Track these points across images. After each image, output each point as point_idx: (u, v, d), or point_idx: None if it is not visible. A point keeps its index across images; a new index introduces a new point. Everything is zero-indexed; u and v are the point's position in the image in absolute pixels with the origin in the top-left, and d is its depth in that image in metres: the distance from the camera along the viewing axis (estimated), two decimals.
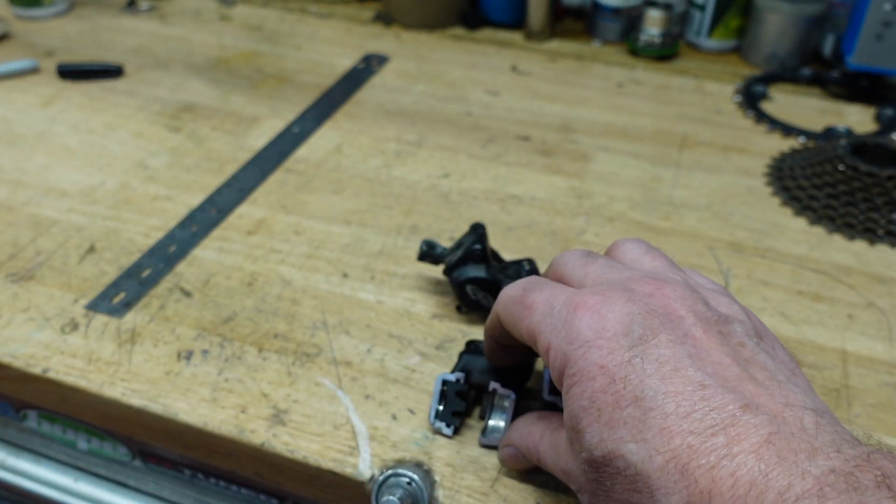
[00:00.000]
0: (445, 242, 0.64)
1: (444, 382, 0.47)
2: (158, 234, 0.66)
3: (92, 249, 0.64)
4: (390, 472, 0.43)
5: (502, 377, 0.47)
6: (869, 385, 0.50)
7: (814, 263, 0.62)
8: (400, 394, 0.50)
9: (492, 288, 0.54)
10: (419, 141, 0.79)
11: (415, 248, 0.63)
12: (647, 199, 0.70)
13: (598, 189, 0.72)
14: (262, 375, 0.52)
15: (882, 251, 0.64)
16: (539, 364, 0.50)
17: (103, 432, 0.58)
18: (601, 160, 0.76)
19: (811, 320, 0.56)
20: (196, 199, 0.70)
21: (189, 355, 0.53)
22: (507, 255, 0.62)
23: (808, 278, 0.60)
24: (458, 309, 0.57)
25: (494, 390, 0.46)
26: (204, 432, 0.48)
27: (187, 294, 0.59)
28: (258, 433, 0.47)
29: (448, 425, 0.46)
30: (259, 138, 0.80)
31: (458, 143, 0.79)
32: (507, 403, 0.46)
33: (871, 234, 0.65)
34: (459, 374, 0.46)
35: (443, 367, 0.52)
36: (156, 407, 0.50)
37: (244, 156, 0.77)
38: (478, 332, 0.55)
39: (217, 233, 0.66)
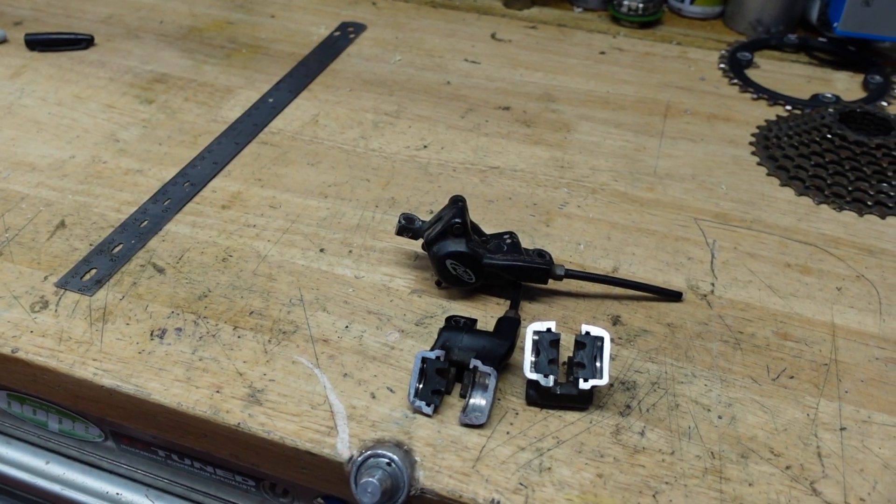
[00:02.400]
0: (424, 216, 0.61)
1: (424, 360, 0.44)
2: (130, 209, 0.62)
3: (62, 225, 0.61)
4: (369, 452, 0.41)
5: (483, 354, 0.45)
6: (859, 360, 0.49)
7: (801, 235, 0.60)
8: (379, 372, 0.48)
9: (472, 262, 0.51)
10: (397, 111, 0.76)
11: (393, 221, 0.61)
12: (630, 170, 0.68)
13: (580, 160, 0.69)
14: (237, 354, 0.49)
15: (871, 221, 0.62)
16: (521, 340, 0.48)
17: (75, 413, 0.55)
18: (583, 130, 0.73)
19: (799, 293, 0.54)
20: (169, 173, 0.67)
21: (162, 334, 0.51)
22: (488, 228, 0.59)
23: (795, 250, 0.58)
24: (438, 284, 0.54)
25: (475, 368, 0.43)
26: (178, 413, 0.46)
27: (160, 270, 0.56)
28: (233, 414, 0.45)
29: (428, 404, 0.44)
30: (233, 109, 0.76)
31: (437, 114, 0.75)
32: (488, 381, 0.43)
33: (859, 205, 0.63)
34: (439, 352, 0.44)
35: (423, 344, 0.50)
36: (128, 387, 0.47)
37: (218, 127, 0.73)
38: (458, 308, 0.53)
39: (190, 207, 0.63)
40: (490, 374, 0.43)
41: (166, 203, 0.63)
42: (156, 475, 0.55)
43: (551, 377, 0.43)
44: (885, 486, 0.41)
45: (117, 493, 0.59)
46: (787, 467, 0.42)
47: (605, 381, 0.42)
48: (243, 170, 0.67)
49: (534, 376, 0.43)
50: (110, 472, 0.58)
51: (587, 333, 0.44)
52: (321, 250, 0.58)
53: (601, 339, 0.43)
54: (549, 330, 0.44)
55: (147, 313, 0.52)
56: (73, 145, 0.70)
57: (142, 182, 0.65)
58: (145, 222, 0.61)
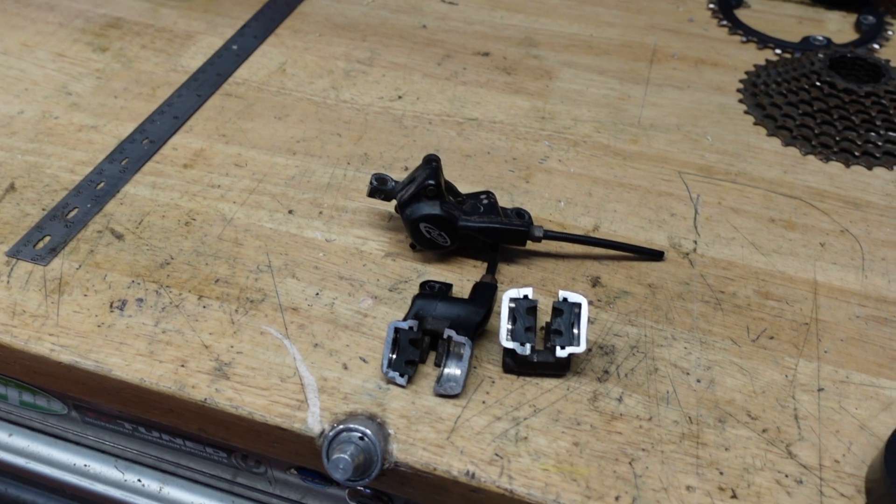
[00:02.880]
0: (399, 173, 0.60)
1: (397, 330, 0.44)
2: (85, 170, 0.60)
3: (11, 188, 0.59)
4: (341, 427, 0.41)
5: (458, 323, 0.44)
6: (839, 318, 0.49)
7: (787, 188, 0.59)
8: (351, 341, 0.47)
9: (447, 225, 0.50)
10: (370, 59, 0.73)
11: (366, 179, 0.59)
12: (614, 121, 0.66)
13: (562, 110, 0.67)
14: (202, 325, 0.48)
15: (858, 173, 0.61)
16: (498, 305, 0.47)
17: (35, 387, 0.55)
18: (566, 77, 0.71)
19: (782, 250, 0.54)
20: (126, 129, 0.64)
21: (122, 305, 0.50)
22: (465, 187, 0.58)
23: (780, 204, 0.58)
24: (413, 247, 0.53)
25: (450, 338, 0.43)
26: (141, 389, 0.45)
27: (119, 237, 0.55)
28: (199, 389, 0.44)
29: (402, 375, 0.44)
30: (194, 58, 0.73)
31: (413, 61, 0.73)
32: (463, 351, 0.43)
33: (847, 155, 0.62)
34: (412, 322, 0.43)
35: (396, 311, 0.49)
36: (87, 363, 0.46)
37: (178, 78, 0.70)
38: (434, 272, 0.52)
39: (150, 167, 0.61)
40: (465, 344, 0.43)
41: (124, 163, 0.61)
42: (124, 447, 0.55)
43: (528, 345, 0.43)
44: (859, 447, 0.41)
45: (85, 465, 0.58)
46: (764, 430, 0.42)
47: (582, 348, 0.42)
48: (206, 125, 0.65)
49: (510, 345, 0.43)
50: (77, 443, 0.57)
51: (565, 300, 0.43)
52: (290, 212, 0.57)
53: (579, 305, 0.43)
54: (525, 297, 0.44)
55: (106, 283, 0.51)
56: (21, 99, 0.67)
57: (97, 139, 0.63)
58: (102, 184, 0.59)
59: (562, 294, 0.44)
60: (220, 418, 0.45)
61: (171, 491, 0.57)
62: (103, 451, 0.57)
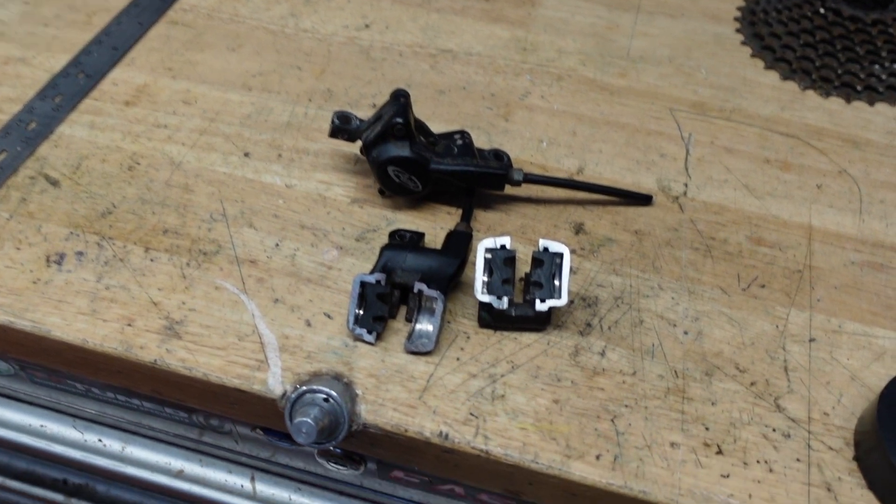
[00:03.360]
0: (365, 111, 0.58)
1: (363, 284, 0.43)
2: (13, 108, 0.58)
3: None
4: (304, 388, 0.41)
5: (430, 276, 0.44)
6: (834, 264, 0.49)
7: (783, 125, 0.59)
8: (314, 296, 0.47)
9: (418, 169, 0.49)
10: None
11: (329, 118, 0.57)
12: (601, 52, 0.65)
13: (545, 40, 0.66)
14: (150, 280, 0.47)
15: (859, 109, 0.61)
16: (473, 257, 0.47)
17: None
18: (549, 4, 0.69)
19: (777, 192, 0.54)
20: (58, 62, 0.61)
21: (60, 259, 0.48)
22: (438, 125, 0.56)
23: (776, 143, 0.58)
24: (381, 193, 0.52)
25: (420, 292, 0.43)
26: (84, 350, 0.45)
27: (54, 183, 0.53)
28: (149, 349, 0.44)
29: (369, 331, 0.43)
30: None
31: None
32: (435, 306, 0.43)
33: (848, 90, 0.62)
34: (379, 275, 0.43)
35: (364, 263, 0.48)
36: (23, 323, 0.45)
37: (117, 3, 0.67)
38: (404, 220, 0.51)
39: (87, 104, 0.58)
40: (437, 299, 0.42)
41: (57, 100, 0.58)
42: (81, 407, 0.55)
43: (505, 299, 0.43)
44: (849, 398, 0.42)
45: (41, 426, 0.58)
46: (752, 384, 0.43)
47: (563, 301, 0.42)
48: (150, 56, 0.62)
49: (485, 298, 0.43)
50: (31, 403, 0.57)
51: (545, 249, 0.43)
52: (246, 155, 0.55)
53: (560, 255, 0.43)
54: (503, 247, 0.43)
55: (41, 235, 0.49)
56: None
57: (26, 73, 0.60)
58: (33, 124, 0.56)
59: (542, 243, 0.43)
60: (172, 380, 0.44)
61: (135, 451, 0.56)
62: (60, 411, 0.56)
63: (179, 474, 0.54)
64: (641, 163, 0.56)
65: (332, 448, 0.47)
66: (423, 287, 0.42)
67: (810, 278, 0.48)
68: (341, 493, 0.52)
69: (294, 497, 0.52)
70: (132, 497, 0.60)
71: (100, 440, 0.56)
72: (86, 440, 0.56)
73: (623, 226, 0.51)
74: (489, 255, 0.43)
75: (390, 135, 0.48)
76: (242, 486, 0.53)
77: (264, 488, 0.53)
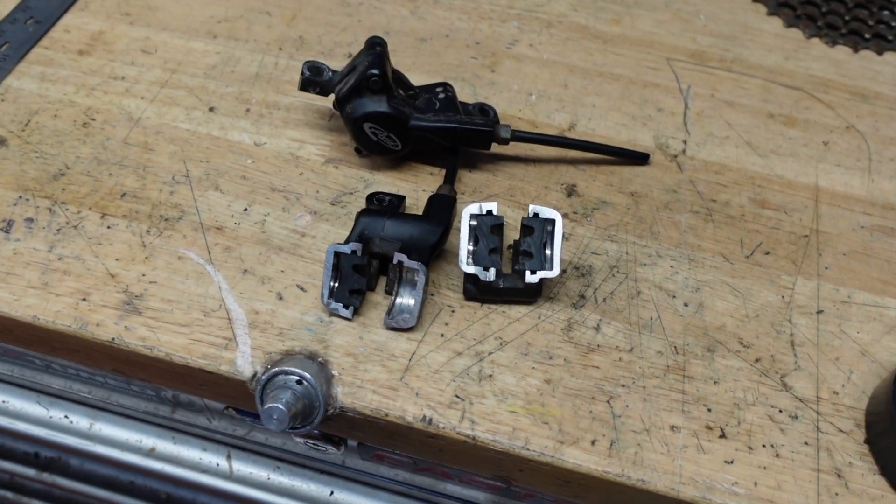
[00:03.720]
0: (340, 61, 0.53)
1: (337, 255, 0.39)
2: None
3: None
4: (276, 369, 0.37)
5: (411, 245, 0.40)
6: (842, 229, 0.46)
7: (788, 77, 0.55)
8: (287, 266, 0.42)
9: (396, 125, 0.44)
10: None
11: (301, 68, 0.52)
12: None
13: None
14: (107, 250, 0.43)
15: (867, 59, 0.56)
16: (457, 222, 0.43)
17: None
18: None
19: (782, 150, 0.50)
20: (5, 7, 0.55)
21: (8, 227, 0.43)
22: (418, 77, 0.51)
23: (780, 96, 0.53)
24: (358, 152, 0.48)
25: (400, 263, 0.39)
26: (35, 328, 0.40)
27: (1, 142, 0.48)
28: (106, 327, 0.40)
29: (346, 306, 0.39)
30: None
31: None
32: (417, 278, 0.39)
33: (856, 38, 0.57)
34: (355, 245, 0.39)
35: (340, 229, 0.44)
36: None
37: None
38: (383, 182, 0.47)
39: (37, 54, 0.53)
40: (418, 270, 0.38)
41: (3, 48, 0.53)
42: (44, 383, 0.51)
43: (492, 270, 0.39)
44: (860, 375, 0.39)
45: (3, 402, 0.54)
46: (757, 360, 0.40)
47: (555, 272, 0.38)
48: (105, 1, 0.56)
49: (471, 269, 0.39)
50: None
51: (535, 215, 0.39)
52: (210, 109, 0.50)
53: (552, 222, 0.39)
54: (489, 213, 0.39)
55: None
56: None
57: None
58: None
59: (532, 208, 0.39)
60: (133, 360, 0.40)
61: (104, 428, 0.53)
62: (23, 386, 0.52)
63: (151, 452, 0.51)
64: (637, 118, 0.51)
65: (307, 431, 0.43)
66: (403, 258, 0.38)
67: (817, 244, 0.45)
68: (322, 471, 0.49)
69: (273, 476, 0.49)
70: (106, 471, 0.57)
71: (66, 416, 0.53)
72: (51, 416, 0.53)
73: (618, 187, 0.47)
74: (474, 223, 0.39)
75: (365, 88, 0.43)
76: (218, 464, 0.50)
77: (241, 467, 0.50)
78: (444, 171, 0.47)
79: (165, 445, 0.51)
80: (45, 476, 0.59)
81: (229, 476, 0.50)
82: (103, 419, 0.52)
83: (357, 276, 0.39)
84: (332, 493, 0.49)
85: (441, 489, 0.46)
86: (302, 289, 0.41)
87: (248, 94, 0.51)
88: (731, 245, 0.44)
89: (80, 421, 0.52)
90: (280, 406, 0.35)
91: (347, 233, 0.43)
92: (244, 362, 0.39)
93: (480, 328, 0.40)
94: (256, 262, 0.42)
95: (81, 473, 0.58)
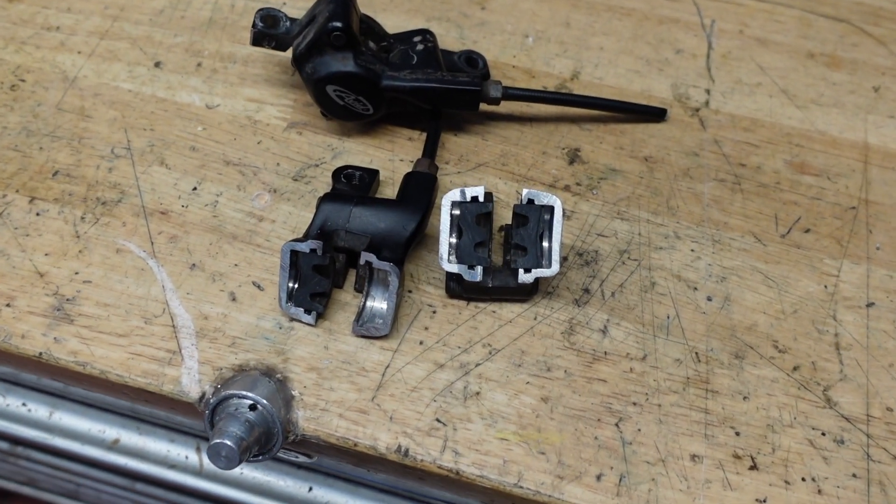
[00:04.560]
0: (305, 5, 0.43)
1: (295, 254, 0.32)
2: None
3: None
4: (226, 393, 0.30)
5: (382, 239, 0.32)
6: None
7: (830, 5, 0.45)
8: (241, 258, 0.35)
9: (366, 87, 0.36)
10: None
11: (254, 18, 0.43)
12: None
13: None
14: (35, 242, 0.36)
15: None
16: (434, 216, 0.35)
17: None
18: None
19: (824, 99, 0.41)
20: None
21: None
22: (394, 21, 0.42)
23: (821, 30, 0.44)
24: (325, 115, 0.39)
25: (369, 264, 0.31)
26: None
27: None
28: (33, 339, 0.33)
29: (307, 311, 0.32)
30: None
31: None
32: (390, 279, 0.31)
33: None
34: (314, 243, 0.31)
35: (303, 211, 0.36)
36: None
37: None
38: (354, 150, 0.38)
39: None
40: (391, 272, 0.31)
41: None
42: None
43: (479, 269, 0.31)
44: None
45: None
46: (795, 368, 0.32)
47: (554, 270, 0.31)
48: None
49: (453, 268, 0.31)
50: None
51: (531, 202, 0.31)
52: (156, 65, 0.42)
53: (550, 209, 0.31)
54: (475, 199, 0.31)
55: None
56: None
57: None
58: None
59: (527, 193, 0.31)
60: (67, 374, 0.34)
61: (63, 417, 0.47)
62: None
63: (115, 444, 0.45)
64: (652, 62, 0.42)
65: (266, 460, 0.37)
66: (372, 258, 0.31)
67: (867, 218, 0.37)
68: (300, 466, 0.43)
69: (246, 471, 0.44)
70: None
71: (24, 404, 0.47)
72: (7, 405, 0.47)
73: (630, 150, 0.39)
74: (457, 212, 0.31)
75: (327, 44, 0.35)
76: (187, 457, 0.44)
77: None
78: (424, 136, 0.39)
79: (130, 436, 0.45)
80: (19, 450, 0.54)
81: (199, 471, 0.44)
82: (64, 408, 0.46)
83: (319, 278, 0.32)
84: (310, 489, 0.43)
85: (427, 491, 0.40)
86: (259, 287, 0.34)
87: (200, 44, 0.43)
88: (763, 221, 0.36)
89: (39, 409, 0.47)
90: (228, 443, 0.29)
91: (311, 215, 0.36)
92: (190, 381, 0.32)
93: (466, 333, 0.33)
94: (206, 254, 0.35)
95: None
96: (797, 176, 0.38)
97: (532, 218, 0.31)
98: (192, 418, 0.38)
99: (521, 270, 0.31)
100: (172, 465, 0.45)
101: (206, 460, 0.45)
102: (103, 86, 0.42)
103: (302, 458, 0.39)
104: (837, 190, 0.38)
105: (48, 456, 0.50)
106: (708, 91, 0.41)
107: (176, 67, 0.42)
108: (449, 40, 0.43)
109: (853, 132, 0.40)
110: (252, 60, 0.42)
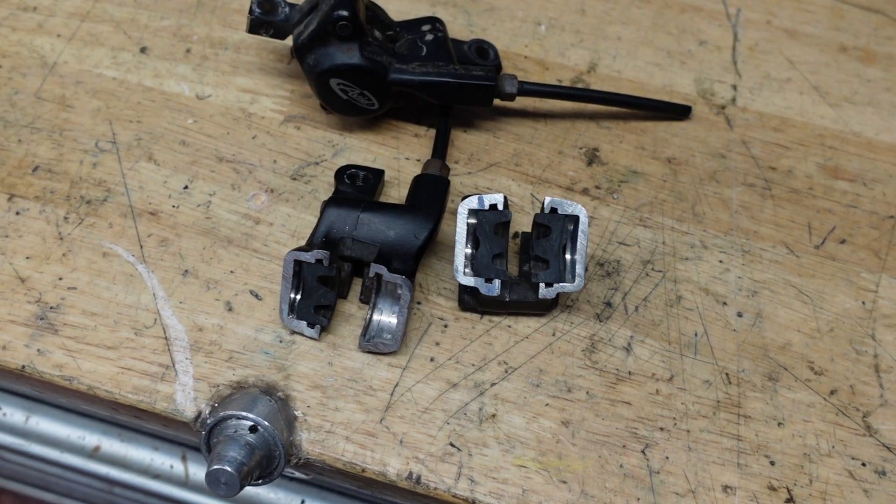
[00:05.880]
0: None
1: (298, 264, 0.30)
2: None
3: None
4: (224, 413, 0.29)
5: (391, 249, 0.30)
6: None
7: None
8: (237, 264, 0.33)
9: (372, 81, 0.34)
10: None
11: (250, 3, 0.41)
12: None
13: None
14: (16, 245, 0.33)
15: None
16: (449, 224, 0.33)
17: None
18: None
19: (857, 97, 0.39)
20: None
21: None
22: (400, 6, 0.40)
23: (855, 22, 0.42)
24: (324, 108, 0.37)
25: (379, 276, 0.29)
26: None
27: None
28: (15, 350, 0.31)
29: (311, 324, 0.31)
30: None
31: None
32: (400, 291, 0.30)
33: None
34: (320, 253, 0.29)
35: (303, 213, 0.34)
36: None
37: None
38: (356, 147, 0.36)
39: None
40: (401, 285, 0.29)
41: None
42: None
43: (496, 282, 0.29)
44: None
45: None
46: (832, 392, 0.31)
47: (578, 285, 0.29)
48: None
49: (469, 281, 0.29)
50: None
51: (553, 211, 0.29)
52: (142, 50, 0.40)
53: (575, 220, 0.29)
54: (493, 207, 0.29)
55: None
56: None
57: None
58: None
59: (549, 202, 0.29)
60: (53, 388, 0.32)
61: (40, 422, 0.45)
62: None
63: (95, 452, 0.43)
64: (674, 54, 0.41)
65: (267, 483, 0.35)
66: (383, 270, 0.29)
67: None
68: (292, 478, 0.42)
69: None
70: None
71: None
72: None
73: (652, 151, 0.37)
74: (473, 220, 0.29)
75: (331, 34, 0.32)
76: (172, 466, 0.43)
77: (199, 471, 0.42)
78: (431, 132, 0.37)
79: (111, 444, 0.43)
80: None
81: (185, 482, 0.43)
82: (41, 412, 0.45)
83: (324, 290, 0.30)
84: (303, 502, 0.42)
85: None
86: (256, 296, 0.32)
87: (189, 28, 0.41)
88: (796, 230, 0.35)
89: (15, 414, 0.45)
90: (228, 469, 0.27)
91: (311, 218, 0.34)
92: (185, 399, 0.30)
93: (480, 349, 0.31)
94: (199, 259, 0.33)
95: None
96: (831, 181, 0.36)
97: (555, 229, 0.29)
98: (185, 434, 0.37)
99: (542, 285, 0.29)
100: (156, 475, 0.43)
101: (192, 469, 0.43)
102: (85, 73, 0.39)
103: (298, 474, 0.37)
104: (874, 197, 0.36)
105: (25, 458, 0.48)
106: (734, 86, 0.40)
107: (163, 53, 0.40)
108: (456, 27, 0.40)
109: (890, 134, 0.38)
110: (245, 47, 0.40)
